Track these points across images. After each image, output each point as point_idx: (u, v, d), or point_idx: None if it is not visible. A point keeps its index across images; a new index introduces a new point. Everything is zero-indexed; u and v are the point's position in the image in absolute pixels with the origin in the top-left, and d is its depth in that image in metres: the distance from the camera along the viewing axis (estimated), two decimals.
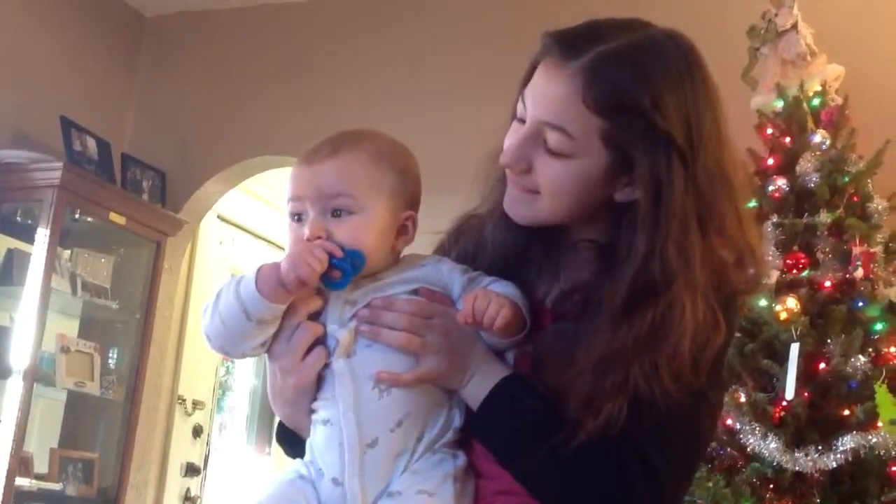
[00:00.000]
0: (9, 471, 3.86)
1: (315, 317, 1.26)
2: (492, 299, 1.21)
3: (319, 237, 1.23)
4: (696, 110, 1.23)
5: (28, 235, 4.16)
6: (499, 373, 1.25)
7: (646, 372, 1.17)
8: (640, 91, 1.20)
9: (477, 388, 1.24)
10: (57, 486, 4.18)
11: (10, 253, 4.20)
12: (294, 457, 1.32)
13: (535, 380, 1.23)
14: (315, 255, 1.19)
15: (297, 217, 1.27)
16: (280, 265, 1.20)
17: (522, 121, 1.27)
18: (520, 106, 1.28)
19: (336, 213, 1.25)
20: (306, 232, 1.24)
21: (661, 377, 1.17)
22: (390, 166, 1.28)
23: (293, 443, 1.32)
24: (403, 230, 1.30)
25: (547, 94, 1.24)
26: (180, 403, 5.18)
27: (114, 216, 4.38)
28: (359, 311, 1.24)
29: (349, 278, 1.22)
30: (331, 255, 1.20)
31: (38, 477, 4.15)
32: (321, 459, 1.24)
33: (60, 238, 4.15)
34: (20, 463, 3.96)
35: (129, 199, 4.52)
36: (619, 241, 1.24)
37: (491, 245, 1.36)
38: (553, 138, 1.23)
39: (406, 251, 1.33)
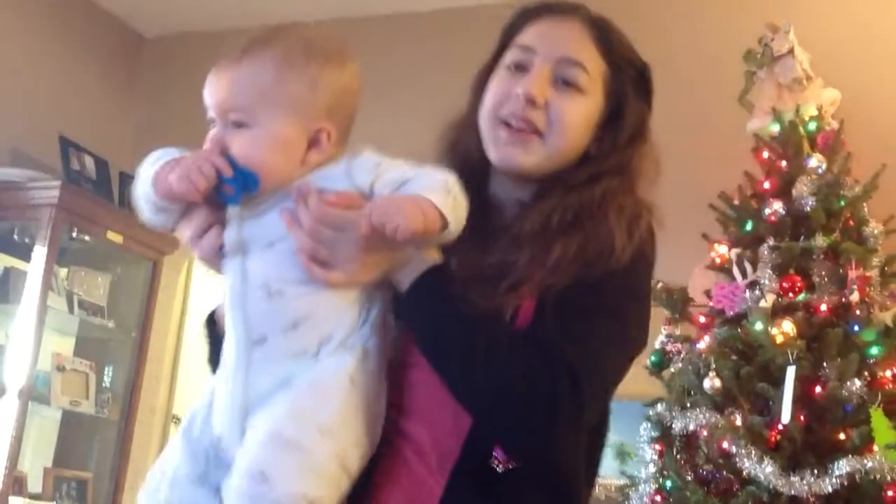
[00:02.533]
0: (2, 490, 3.84)
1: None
2: (392, 208, 1.14)
3: (214, 151, 1.20)
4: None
5: (25, 253, 4.15)
6: (425, 263, 1.23)
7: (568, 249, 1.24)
8: (629, 47, 1.40)
9: (405, 276, 1.23)
10: None
11: (7, 271, 4.20)
12: None
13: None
14: (202, 171, 1.17)
15: (213, 123, 1.25)
16: (172, 171, 1.19)
17: (518, 67, 1.36)
18: (517, 54, 1.37)
19: (236, 125, 1.21)
20: (207, 141, 1.22)
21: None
22: (298, 74, 1.20)
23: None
24: (315, 143, 1.22)
25: (563, 35, 1.37)
26: (175, 422, 5.15)
27: (111, 234, 4.38)
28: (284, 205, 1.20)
29: (239, 197, 1.19)
30: (222, 174, 1.17)
31: (33, 496, 4.12)
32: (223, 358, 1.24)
33: (57, 256, 4.15)
34: (14, 482, 3.94)
35: (126, 217, 4.51)
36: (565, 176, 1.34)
37: None
38: (573, 72, 1.34)
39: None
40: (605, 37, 1.37)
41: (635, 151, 1.37)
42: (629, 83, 1.38)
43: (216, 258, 1.24)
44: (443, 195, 1.17)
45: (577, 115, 1.34)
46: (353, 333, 1.19)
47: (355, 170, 1.21)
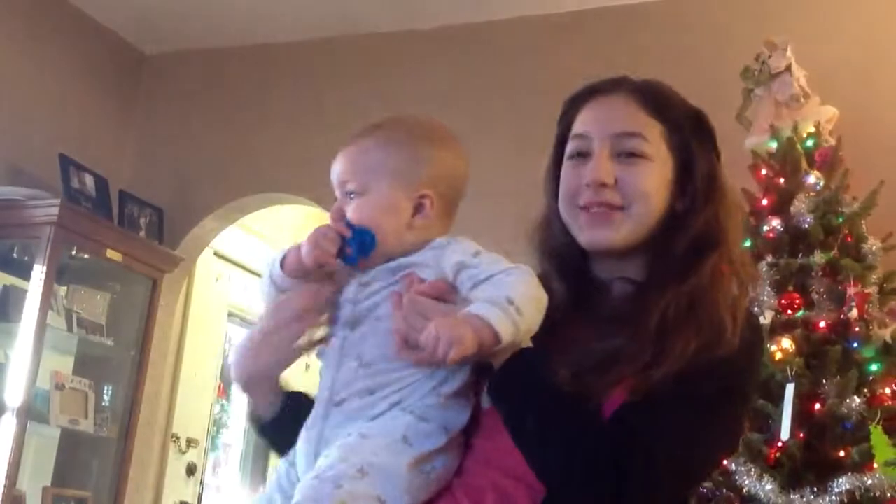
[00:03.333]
0: None
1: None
2: (447, 333, 1.21)
3: (335, 218, 1.37)
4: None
5: (24, 272, 4.15)
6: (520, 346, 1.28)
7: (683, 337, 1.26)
8: (678, 102, 1.44)
9: (499, 357, 1.27)
10: None
11: (6, 289, 4.20)
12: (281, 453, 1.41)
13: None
14: (327, 236, 1.33)
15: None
16: (300, 247, 1.35)
17: (579, 155, 1.41)
18: (576, 143, 1.43)
19: (351, 195, 1.38)
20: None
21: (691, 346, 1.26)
22: (397, 150, 1.38)
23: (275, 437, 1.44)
24: (420, 208, 1.36)
25: (613, 112, 1.41)
26: (174, 441, 5.15)
27: (111, 253, 4.39)
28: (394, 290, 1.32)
29: (357, 254, 1.33)
30: (344, 236, 1.33)
31: None
32: None
33: (57, 275, 4.15)
34: (12, 502, 3.93)
35: (126, 236, 4.53)
36: (667, 242, 1.38)
37: (555, 301, 1.38)
38: (633, 143, 1.38)
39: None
40: (654, 99, 1.42)
41: (720, 206, 1.41)
42: (690, 134, 1.42)
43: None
44: (501, 312, 1.25)
45: (650, 180, 1.38)
46: (419, 400, 1.30)
47: (448, 252, 1.33)
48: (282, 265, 1.38)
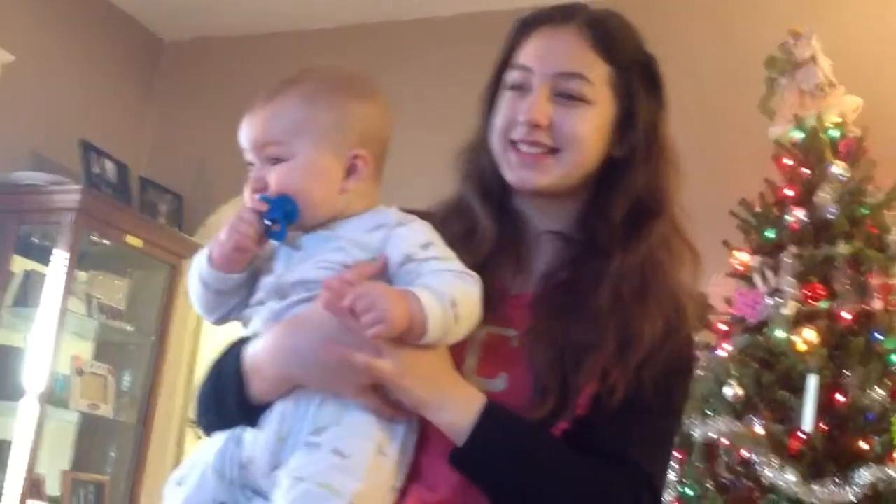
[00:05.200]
0: (21, 493, 3.85)
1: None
2: (382, 301, 1.13)
3: (257, 189, 1.24)
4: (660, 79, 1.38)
5: (45, 257, 4.17)
6: (475, 398, 1.20)
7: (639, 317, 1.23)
8: (635, 44, 1.36)
9: (453, 415, 1.19)
10: None
11: (28, 274, 4.21)
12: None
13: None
14: (243, 218, 1.21)
15: (252, 167, 1.28)
16: (218, 241, 1.23)
17: (519, 87, 1.33)
18: (516, 75, 1.34)
19: (273, 161, 1.24)
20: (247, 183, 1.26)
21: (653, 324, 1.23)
22: (325, 105, 1.25)
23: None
24: (353, 169, 1.25)
25: (558, 48, 1.32)
26: (191, 427, 5.17)
27: (130, 239, 4.39)
28: (325, 280, 1.18)
29: (285, 228, 1.21)
30: (264, 212, 1.21)
31: (50, 500, 4.14)
32: None
33: (77, 260, 4.17)
34: (32, 485, 3.96)
35: (145, 222, 4.54)
36: (606, 201, 1.32)
37: (481, 234, 1.35)
38: (574, 84, 1.30)
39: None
40: (605, 37, 1.32)
41: (659, 162, 1.34)
42: (637, 81, 1.33)
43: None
44: (441, 311, 1.16)
45: (586, 126, 1.30)
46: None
47: (396, 238, 1.22)
48: (209, 260, 1.25)
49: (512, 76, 1.34)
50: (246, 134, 1.27)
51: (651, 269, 1.28)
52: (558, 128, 1.29)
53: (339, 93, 1.27)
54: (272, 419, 1.20)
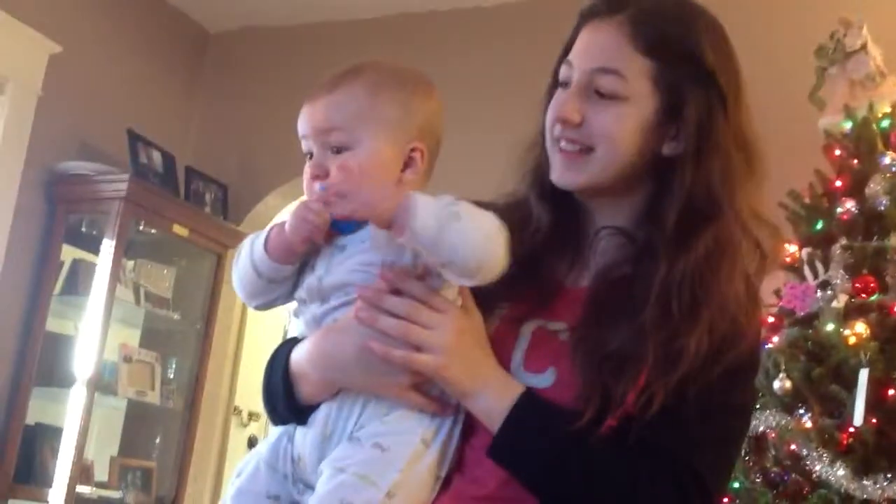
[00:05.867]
0: (70, 478, 3.92)
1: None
2: (365, 188, 1.18)
3: (318, 175, 1.23)
4: (734, 69, 1.32)
5: (93, 246, 4.23)
6: (514, 387, 1.22)
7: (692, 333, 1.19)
8: (685, 34, 1.29)
9: (491, 402, 1.21)
10: (117, 494, 4.23)
11: (76, 263, 4.27)
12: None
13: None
14: (312, 209, 1.20)
15: (310, 156, 1.28)
16: (285, 226, 1.23)
17: (565, 84, 1.32)
18: (564, 70, 1.33)
19: (335, 149, 1.24)
20: (307, 171, 1.25)
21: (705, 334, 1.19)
22: (390, 97, 1.26)
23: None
24: (410, 162, 1.26)
25: (596, 43, 1.30)
26: (236, 414, 5.22)
27: (177, 228, 4.44)
28: (359, 289, 1.21)
29: (354, 220, 1.21)
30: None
31: (99, 485, 4.20)
32: None
33: (124, 249, 4.21)
34: (81, 471, 4.02)
35: (191, 211, 4.58)
36: (659, 202, 1.28)
37: (535, 225, 1.36)
38: (606, 81, 1.27)
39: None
40: (648, 31, 1.28)
41: (714, 161, 1.27)
42: (686, 75, 1.28)
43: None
44: (435, 206, 1.16)
45: (619, 124, 1.27)
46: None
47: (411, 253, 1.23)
48: (265, 248, 1.25)
49: (561, 72, 1.34)
50: (306, 121, 1.27)
51: (702, 282, 1.22)
52: (589, 125, 1.28)
53: (402, 86, 1.29)
54: (318, 419, 1.24)
